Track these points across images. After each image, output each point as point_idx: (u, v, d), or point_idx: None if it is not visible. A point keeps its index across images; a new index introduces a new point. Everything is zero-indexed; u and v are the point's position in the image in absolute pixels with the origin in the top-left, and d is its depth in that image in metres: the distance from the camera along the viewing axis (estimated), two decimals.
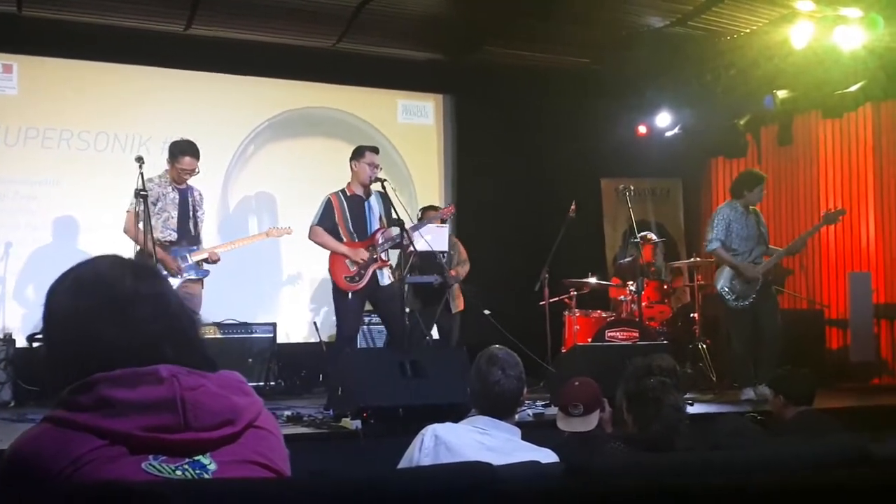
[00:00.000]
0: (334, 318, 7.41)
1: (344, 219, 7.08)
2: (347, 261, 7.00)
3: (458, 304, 8.57)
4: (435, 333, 8.34)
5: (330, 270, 7.09)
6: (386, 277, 7.12)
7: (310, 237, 7.15)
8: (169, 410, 1.54)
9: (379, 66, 9.59)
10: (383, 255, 7.11)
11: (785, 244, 10.03)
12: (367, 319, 8.33)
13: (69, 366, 1.60)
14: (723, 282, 7.67)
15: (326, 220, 7.08)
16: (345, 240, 7.07)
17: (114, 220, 6.88)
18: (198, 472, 1.54)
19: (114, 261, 1.72)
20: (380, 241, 7.09)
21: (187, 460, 1.54)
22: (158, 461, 1.52)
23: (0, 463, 1.53)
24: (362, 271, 6.99)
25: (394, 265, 7.55)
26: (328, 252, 7.11)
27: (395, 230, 7.08)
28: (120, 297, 1.64)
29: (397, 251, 7.35)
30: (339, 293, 7.06)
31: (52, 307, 1.67)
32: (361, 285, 6.99)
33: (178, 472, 1.53)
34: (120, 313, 1.63)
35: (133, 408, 1.52)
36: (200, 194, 7.15)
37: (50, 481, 1.47)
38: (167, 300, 1.70)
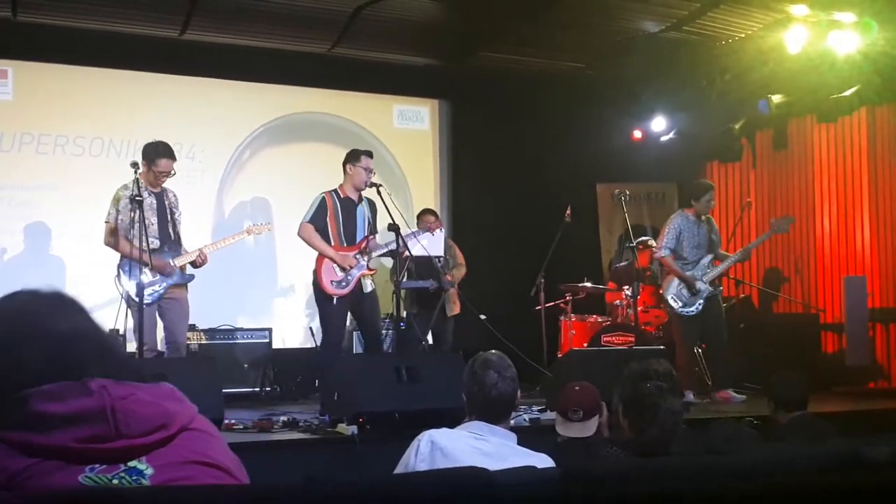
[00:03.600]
0: None
1: (336, 220, 7.01)
2: (335, 265, 6.95)
3: (454, 308, 8.57)
4: (429, 338, 8.34)
5: (315, 273, 6.99)
6: (369, 285, 7.06)
7: (299, 234, 7.04)
8: (100, 421, 1.54)
9: (375, 72, 9.60)
10: (370, 264, 7.07)
11: (780, 251, 10.11)
12: None
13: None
14: (670, 290, 7.84)
15: (318, 219, 6.98)
16: (333, 242, 6.99)
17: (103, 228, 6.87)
18: (135, 478, 1.54)
19: (33, 294, 1.74)
20: (367, 250, 7.07)
21: (123, 468, 1.54)
22: (94, 472, 1.52)
23: None
24: (349, 277, 6.94)
25: (390, 269, 7.55)
26: (316, 254, 7.06)
27: (377, 240, 7.15)
28: (41, 322, 1.65)
29: (391, 256, 7.33)
30: (323, 297, 6.99)
31: None
32: (346, 291, 6.93)
33: (115, 481, 1.53)
34: (42, 334, 1.63)
35: (65, 421, 1.52)
36: (175, 196, 7.01)
37: None
38: (90, 325, 1.71)
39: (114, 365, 1.66)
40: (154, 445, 1.58)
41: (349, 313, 7.19)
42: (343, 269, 6.93)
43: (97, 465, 1.53)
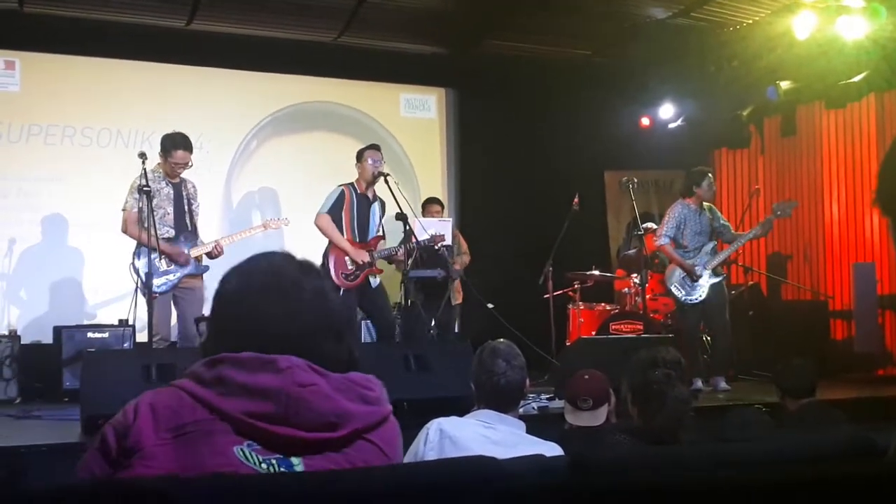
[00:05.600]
0: None
1: (351, 215, 7.18)
2: (347, 258, 7.06)
3: (458, 297, 8.61)
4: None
5: (325, 263, 7.11)
6: (376, 281, 7.25)
7: (316, 223, 7.19)
8: (273, 401, 1.61)
9: (381, 60, 9.59)
10: (377, 264, 7.23)
11: (789, 238, 10.10)
12: None
13: (227, 336, 1.73)
14: (673, 278, 7.81)
15: (335, 210, 7.16)
16: (346, 235, 7.15)
17: (118, 216, 6.87)
18: (282, 469, 1.59)
19: (284, 255, 1.86)
20: (377, 249, 7.23)
21: (278, 456, 1.60)
22: (251, 449, 1.59)
23: (131, 404, 1.67)
24: (358, 272, 7.10)
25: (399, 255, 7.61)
26: (325, 243, 7.20)
27: (385, 243, 7.37)
28: (285, 284, 1.75)
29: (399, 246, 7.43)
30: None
31: (222, 287, 1.81)
32: (353, 285, 7.10)
33: (264, 466, 1.59)
34: (283, 298, 1.74)
35: (243, 391, 1.61)
36: (194, 186, 7.03)
37: (150, 431, 1.60)
38: (327, 295, 1.80)
39: (325, 347, 1.74)
40: (317, 445, 1.62)
41: (357, 307, 7.30)
42: (355, 262, 7.05)
43: (255, 444, 1.60)
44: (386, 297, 7.36)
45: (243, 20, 8.68)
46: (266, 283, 1.76)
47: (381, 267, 7.39)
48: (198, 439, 1.58)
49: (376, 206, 7.31)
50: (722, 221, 7.97)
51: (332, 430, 1.63)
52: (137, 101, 8.84)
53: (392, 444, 1.74)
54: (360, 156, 7.29)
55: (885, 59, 8.23)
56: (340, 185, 7.25)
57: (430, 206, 8.70)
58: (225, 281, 1.80)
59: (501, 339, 3.52)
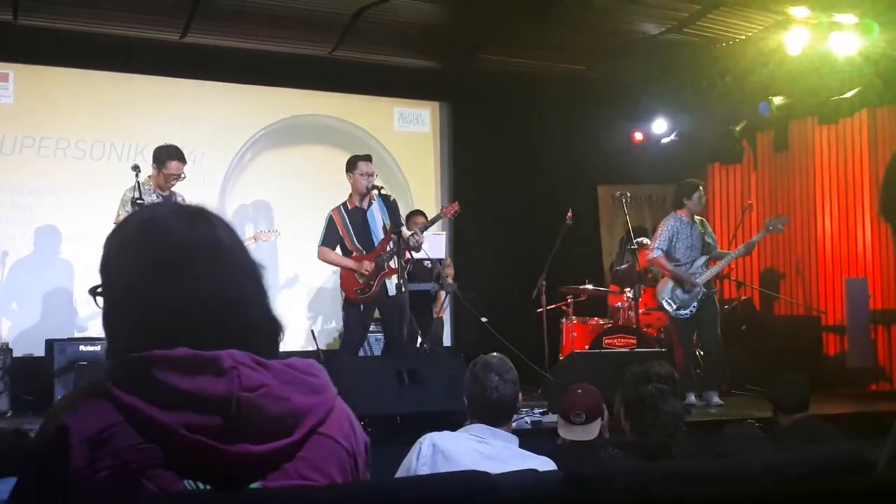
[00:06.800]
0: (331, 325, 7.37)
1: (348, 233, 7.09)
2: (356, 274, 7.03)
3: (440, 310, 8.59)
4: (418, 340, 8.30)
5: (341, 285, 7.15)
6: (393, 287, 7.06)
7: (318, 258, 7.20)
8: (220, 412, 1.34)
9: (375, 74, 9.61)
10: (391, 264, 7.03)
11: (781, 253, 10.11)
12: None
13: (124, 332, 1.45)
14: (665, 293, 7.78)
15: (330, 239, 7.11)
16: (353, 253, 7.09)
17: (110, 229, 6.86)
18: None
19: (162, 208, 1.62)
20: (387, 250, 7.09)
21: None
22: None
23: (43, 432, 1.35)
24: (371, 282, 7.01)
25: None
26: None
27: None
28: (173, 250, 1.47)
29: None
30: (349, 305, 7.12)
31: (104, 259, 1.52)
32: (370, 297, 7.03)
33: None
34: (174, 270, 1.45)
35: (183, 399, 1.33)
36: (184, 199, 7.04)
37: (86, 470, 1.31)
38: (225, 252, 1.51)
39: (254, 326, 1.49)
40: (275, 458, 1.38)
41: (379, 314, 7.29)
42: (363, 275, 7.00)
43: (204, 480, 1.34)
44: (401, 310, 6.94)
45: (238, 34, 8.69)
46: (151, 250, 1.46)
47: None
48: (139, 478, 1.30)
49: (374, 209, 7.12)
50: (711, 237, 7.98)
51: (288, 435, 1.38)
52: (131, 113, 8.84)
53: (344, 432, 1.50)
54: (351, 166, 7.12)
55: (878, 75, 8.28)
56: (329, 211, 7.15)
57: (414, 217, 8.59)
58: (105, 249, 1.52)
59: (494, 353, 3.52)
